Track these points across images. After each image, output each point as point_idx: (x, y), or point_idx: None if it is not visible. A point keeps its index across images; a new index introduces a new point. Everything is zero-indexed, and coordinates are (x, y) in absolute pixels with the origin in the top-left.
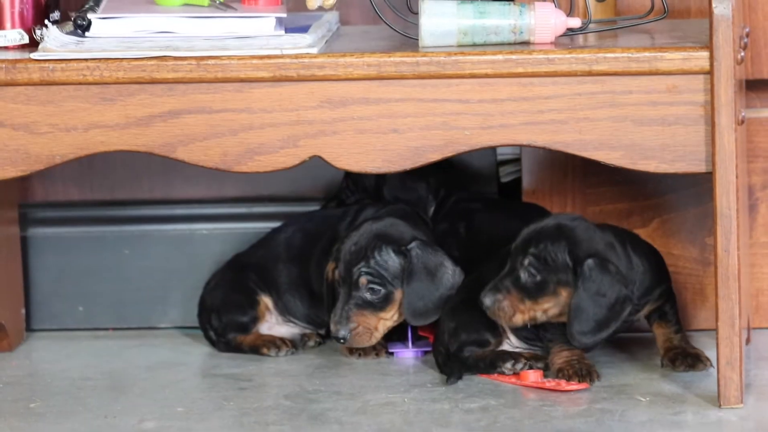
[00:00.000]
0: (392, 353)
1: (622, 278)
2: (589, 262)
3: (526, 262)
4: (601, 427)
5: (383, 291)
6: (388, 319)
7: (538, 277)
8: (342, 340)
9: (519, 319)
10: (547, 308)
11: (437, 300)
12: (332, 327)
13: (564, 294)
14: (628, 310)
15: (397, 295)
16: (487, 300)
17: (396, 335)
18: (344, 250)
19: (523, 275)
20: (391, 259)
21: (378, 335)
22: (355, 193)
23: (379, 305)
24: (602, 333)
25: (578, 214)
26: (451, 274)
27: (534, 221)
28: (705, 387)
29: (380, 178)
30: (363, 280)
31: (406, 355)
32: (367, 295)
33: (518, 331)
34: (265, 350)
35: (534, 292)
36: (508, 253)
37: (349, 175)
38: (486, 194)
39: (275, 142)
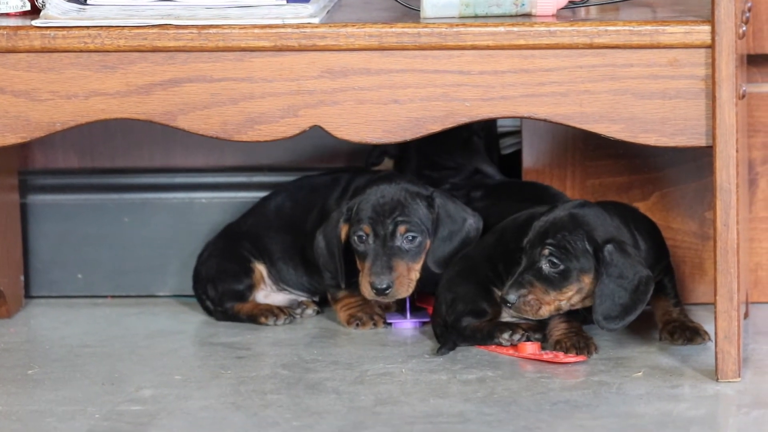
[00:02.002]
0: (390, 324)
1: (641, 259)
2: (609, 247)
3: (546, 252)
4: (598, 399)
5: (419, 238)
6: (418, 269)
7: (561, 266)
8: (386, 291)
9: (545, 311)
10: (571, 296)
11: (459, 246)
12: (372, 279)
13: (586, 281)
14: (651, 291)
15: (427, 244)
16: (511, 296)
17: (394, 306)
18: (370, 205)
19: (545, 266)
20: (421, 209)
21: (413, 285)
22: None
23: (414, 254)
24: (629, 316)
25: (582, 200)
26: (472, 221)
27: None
28: (702, 361)
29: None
30: (402, 228)
31: (404, 325)
32: (404, 244)
33: None
34: (262, 319)
35: (558, 282)
36: (504, 228)
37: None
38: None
39: (275, 111)
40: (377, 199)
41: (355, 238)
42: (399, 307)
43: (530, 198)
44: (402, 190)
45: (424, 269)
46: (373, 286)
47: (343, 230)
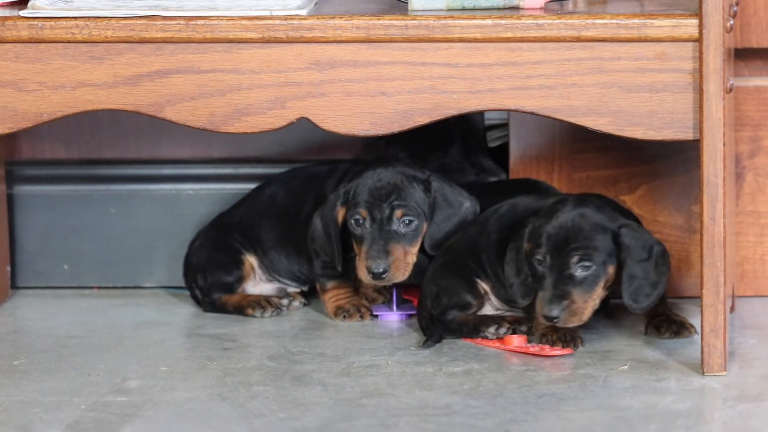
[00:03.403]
0: (377, 316)
1: (650, 235)
2: (624, 232)
3: (576, 258)
4: (584, 392)
5: (415, 222)
6: (415, 253)
7: (593, 267)
8: (383, 275)
9: (588, 315)
10: (600, 292)
11: (455, 229)
12: (369, 264)
13: (611, 271)
14: (670, 261)
15: (424, 227)
16: (555, 311)
17: (381, 298)
18: (367, 189)
19: (579, 272)
20: (417, 193)
21: (410, 269)
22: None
23: (411, 238)
24: (658, 290)
25: (574, 195)
26: (469, 204)
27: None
28: (688, 354)
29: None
30: (398, 212)
31: (391, 318)
32: (401, 228)
33: (500, 293)
34: (249, 311)
35: (591, 283)
36: (486, 219)
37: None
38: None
39: (263, 103)
40: (374, 182)
41: (352, 221)
42: (386, 299)
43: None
44: (399, 174)
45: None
46: (369, 270)
47: (340, 213)
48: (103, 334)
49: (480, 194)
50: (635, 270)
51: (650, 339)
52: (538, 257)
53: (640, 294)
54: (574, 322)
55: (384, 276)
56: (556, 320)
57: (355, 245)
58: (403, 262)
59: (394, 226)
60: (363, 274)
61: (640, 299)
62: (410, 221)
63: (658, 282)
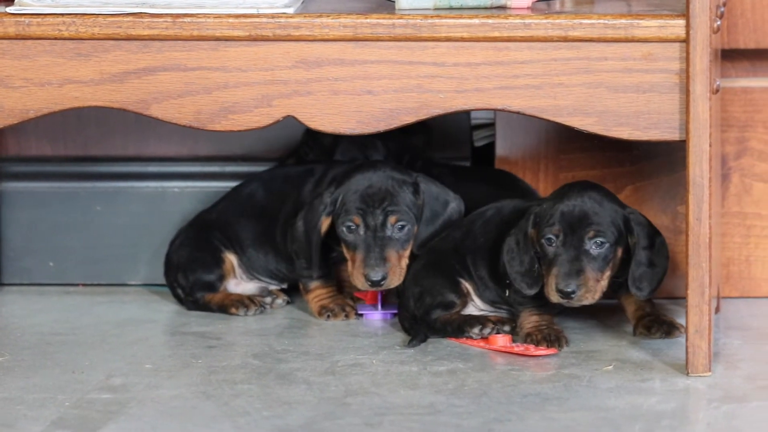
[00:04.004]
0: (362, 315)
1: (653, 224)
2: (632, 217)
3: (592, 233)
4: (569, 392)
5: (408, 227)
6: (407, 257)
7: (606, 245)
8: (382, 282)
9: (599, 293)
10: (610, 272)
11: (441, 228)
12: (367, 272)
13: (619, 253)
14: (668, 251)
15: (415, 230)
16: (572, 286)
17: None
18: (357, 195)
19: (594, 249)
20: (408, 196)
21: (403, 273)
22: (314, 149)
23: (404, 242)
24: (659, 278)
25: (577, 182)
26: (455, 204)
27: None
28: (673, 355)
29: (337, 139)
30: (392, 218)
31: (375, 317)
32: (395, 234)
33: (483, 294)
34: (233, 309)
35: (603, 261)
36: (471, 222)
37: (309, 132)
38: (453, 161)
39: (249, 101)
40: (365, 188)
41: (344, 229)
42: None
43: (493, 183)
44: (388, 178)
45: None
46: (368, 279)
47: (325, 223)
48: (87, 332)
49: (448, 174)
50: (641, 256)
51: (634, 339)
52: (549, 236)
53: (644, 280)
54: (587, 299)
55: (382, 283)
56: (572, 295)
57: (346, 251)
58: (399, 267)
59: (389, 232)
60: (359, 282)
61: (644, 286)
62: (403, 226)
63: (659, 270)
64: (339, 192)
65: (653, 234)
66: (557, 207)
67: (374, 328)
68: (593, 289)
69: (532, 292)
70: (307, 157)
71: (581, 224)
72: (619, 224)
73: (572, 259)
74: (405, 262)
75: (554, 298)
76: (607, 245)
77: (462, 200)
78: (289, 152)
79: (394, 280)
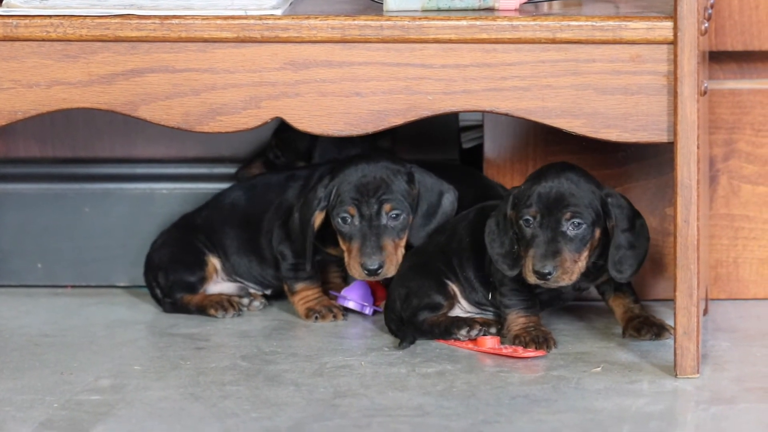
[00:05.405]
0: (346, 315)
1: (632, 205)
2: (611, 200)
3: (569, 214)
4: (557, 393)
5: (403, 215)
6: (403, 246)
7: (583, 226)
8: (379, 271)
9: (577, 275)
10: (587, 254)
11: (438, 220)
12: (364, 260)
13: (597, 235)
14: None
15: (410, 219)
16: (548, 267)
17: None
18: (353, 186)
19: (571, 230)
20: (402, 185)
21: (399, 262)
22: (285, 154)
23: (399, 231)
24: (640, 260)
25: (557, 163)
26: (450, 194)
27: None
28: (661, 356)
29: (314, 141)
30: (387, 207)
31: (349, 304)
32: (390, 222)
33: (470, 296)
34: (212, 311)
35: (581, 243)
36: (456, 224)
37: (278, 136)
38: (442, 163)
39: (237, 102)
40: (359, 178)
41: (339, 220)
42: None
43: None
44: (383, 168)
45: None
46: (364, 267)
47: (318, 218)
48: (76, 333)
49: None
50: (620, 238)
51: (623, 341)
52: (527, 217)
53: (625, 263)
54: (564, 280)
55: (380, 272)
56: (549, 276)
57: (342, 243)
58: (395, 256)
59: (384, 221)
60: (356, 272)
61: (624, 268)
62: (398, 215)
63: (640, 252)
64: (333, 184)
65: (633, 216)
66: (534, 188)
67: (362, 330)
68: (570, 270)
69: (512, 273)
70: (277, 161)
71: (558, 205)
72: (597, 206)
73: (549, 240)
74: (401, 251)
75: (531, 279)
76: (584, 226)
77: (455, 190)
78: (254, 155)
79: (391, 268)
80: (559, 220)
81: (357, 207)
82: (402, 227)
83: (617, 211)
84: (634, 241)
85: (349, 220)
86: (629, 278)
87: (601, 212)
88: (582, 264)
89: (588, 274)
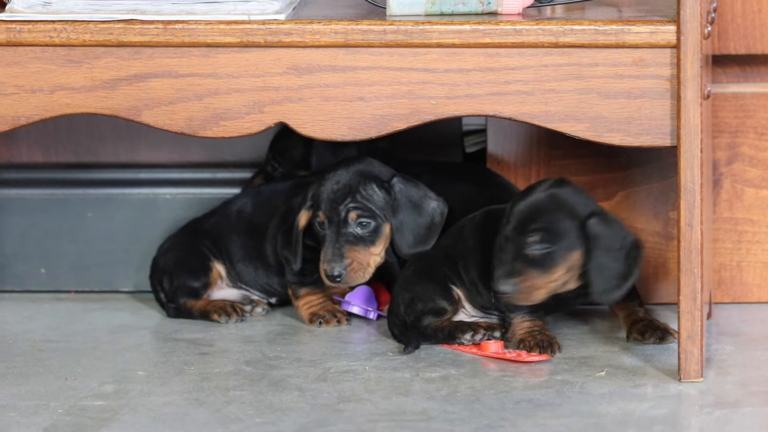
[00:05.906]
0: (350, 320)
1: (625, 226)
2: (592, 221)
3: (533, 237)
4: (561, 398)
5: (373, 224)
6: (378, 254)
7: (549, 249)
8: (338, 278)
9: (540, 296)
10: (561, 276)
11: (427, 230)
12: (325, 267)
13: (575, 258)
14: (642, 255)
15: (386, 229)
16: (506, 286)
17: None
18: (326, 192)
19: (533, 251)
20: (375, 194)
21: (370, 271)
22: (283, 164)
23: (370, 239)
24: (628, 283)
25: (556, 178)
26: (436, 205)
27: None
28: (665, 360)
29: (308, 148)
30: (353, 215)
31: (353, 309)
32: (358, 230)
33: (474, 300)
34: (215, 317)
35: (547, 265)
36: (462, 228)
37: (273, 147)
38: (430, 160)
39: (241, 107)
40: (332, 185)
41: (316, 224)
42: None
43: (472, 171)
44: (357, 175)
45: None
46: (325, 273)
47: (303, 217)
48: (79, 338)
49: (426, 172)
50: (602, 260)
51: (627, 345)
52: (505, 234)
53: (608, 285)
54: (527, 300)
55: (339, 279)
56: (507, 295)
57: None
58: (362, 264)
59: (350, 228)
60: (323, 277)
61: (608, 290)
62: (367, 223)
63: (628, 273)
64: (315, 188)
65: (621, 236)
66: (515, 206)
67: (366, 335)
68: (534, 290)
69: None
70: (275, 173)
71: (526, 226)
72: (572, 228)
73: (513, 259)
74: (374, 260)
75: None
76: (551, 249)
77: (445, 202)
78: (257, 171)
79: (357, 277)
80: (524, 241)
81: (327, 213)
82: (373, 236)
83: (600, 232)
84: (621, 262)
85: (323, 226)
86: (614, 301)
87: (580, 234)
88: (557, 284)
89: (567, 301)
